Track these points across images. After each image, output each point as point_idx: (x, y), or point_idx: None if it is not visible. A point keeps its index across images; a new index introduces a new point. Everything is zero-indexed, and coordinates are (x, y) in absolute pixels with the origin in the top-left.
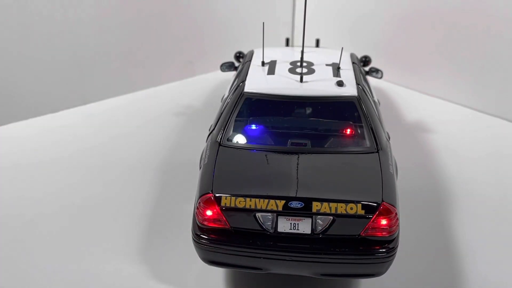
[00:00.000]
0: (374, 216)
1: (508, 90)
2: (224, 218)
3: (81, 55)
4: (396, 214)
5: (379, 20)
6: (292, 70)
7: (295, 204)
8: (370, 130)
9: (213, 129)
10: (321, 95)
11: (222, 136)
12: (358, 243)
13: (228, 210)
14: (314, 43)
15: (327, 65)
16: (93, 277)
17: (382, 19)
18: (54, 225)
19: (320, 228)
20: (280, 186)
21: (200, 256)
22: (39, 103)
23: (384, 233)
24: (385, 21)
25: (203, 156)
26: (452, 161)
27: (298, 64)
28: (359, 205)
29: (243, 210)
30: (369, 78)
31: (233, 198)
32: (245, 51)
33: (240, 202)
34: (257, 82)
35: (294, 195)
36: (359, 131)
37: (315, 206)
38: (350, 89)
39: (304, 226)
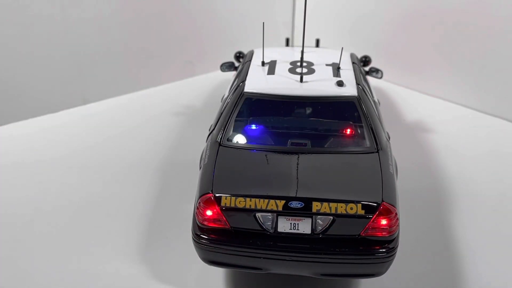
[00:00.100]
0: (374, 216)
1: (508, 90)
2: (224, 218)
3: (81, 55)
4: (396, 214)
5: (379, 20)
6: (292, 70)
7: (295, 204)
8: (370, 130)
9: (213, 129)
10: (321, 95)
11: (222, 136)
12: (358, 243)
13: (228, 210)
14: (314, 43)
15: (327, 65)
16: (93, 277)
17: (382, 19)
18: (54, 225)
19: (320, 228)
20: (280, 186)
21: (200, 256)
22: (39, 103)
23: (384, 233)
24: (385, 21)
25: (203, 156)
26: (452, 161)
27: (298, 64)
28: (359, 205)
29: (243, 210)
30: (369, 78)
31: (233, 198)
32: (245, 51)
33: (240, 202)
34: (257, 82)
35: (294, 195)
36: (359, 131)
37: (315, 206)
38: (350, 89)
39: (304, 226)
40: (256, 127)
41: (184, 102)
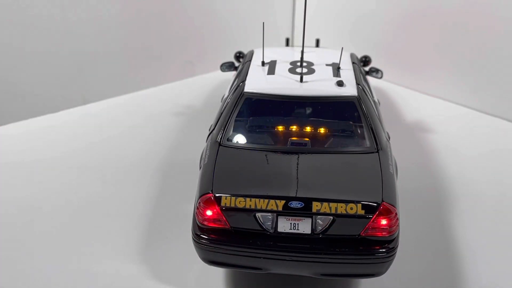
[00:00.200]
0: (374, 216)
1: (507, 90)
2: (224, 218)
3: (81, 55)
4: (396, 214)
5: (379, 20)
6: (292, 70)
7: (295, 204)
8: (370, 130)
9: (213, 129)
10: (321, 95)
11: (222, 136)
12: (358, 243)
13: (228, 210)
14: (314, 43)
15: (327, 65)
16: (93, 277)
17: (382, 19)
18: (54, 224)
19: (320, 228)
20: (280, 186)
21: (200, 256)
22: (39, 103)
23: (384, 233)
24: (385, 21)
25: (203, 156)
26: (452, 161)
27: (298, 64)
28: (359, 205)
29: (243, 210)
30: (369, 78)
31: (233, 198)
32: (245, 51)
33: (240, 202)
34: (257, 82)
35: (294, 195)
36: (359, 131)
37: (315, 206)
38: (350, 89)
39: (304, 226)
40: (256, 127)
41: (184, 102)
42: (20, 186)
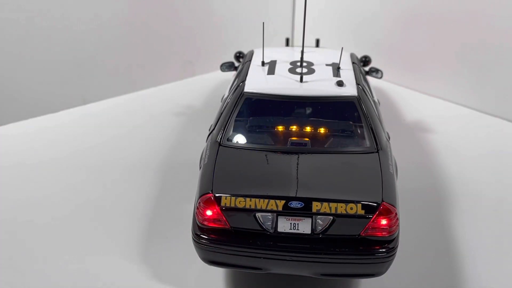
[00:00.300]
0: (374, 216)
1: (507, 90)
2: (224, 218)
3: (80, 55)
4: (396, 214)
5: (379, 20)
6: (292, 70)
7: (295, 204)
8: (370, 130)
9: (213, 129)
10: (321, 95)
11: (222, 136)
12: (358, 243)
13: (228, 210)
14: (314, 43)
15: (327, 65)
16: (93, 277)
17: (382, 19)
18: (54, 225)
19: (320, 228)
20: (280, 186)
21: (200, 256)
22: (38, 103)
23: (384, 233)
24: (385, 21)
25: (203, 156)
26: (452, 161)
27: (298, 64)
28: (359, 205)
29: (243, 210)
30: (369, 78)
31: (233, 198)
32: (245, 51)
33: (240, 202)
34: (257, 82)
35: (294, 195)
36: (359, 131)
37: (315, 206)
38: (350, 89)
39: (304, 226)
40: (256, 127)
41: (184, 102)
42: (20, 186)
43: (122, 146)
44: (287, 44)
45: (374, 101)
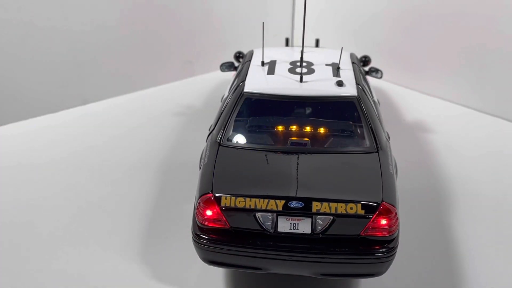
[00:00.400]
0: (374, 216)
1: (507, 89)
2: (224, 218)
3: (80, 55)
4: (396, 214)
5: (378, 20)
6: (292, 70)
7: (295, 204)
8: (370, 130)
9: (213, 129)
10: (321, 95)
11: (222, 136)
12: (358, 243)
13: (228, 210)
14: (313, 43)
15: (326, 65)
16: (93, 277)
17: (381, 19)
18: (54, 225)
19: (320, 228)
20: (280, 186)
21: (200, 256)
22: (38, 103)
23: (384, 233)
24: (384, 21)
25: (203, 156)
26: (452, 161)
27: (298, 64)
28: (359, 205)
29: (243, 210)
30: (368, 78)
31: (233, 198)
32: (245, 51)
33: (240, 202)
34: (257, 82)
35: (294, 195)
36: (359, 131)
37: (315, 206)
38: (350, 89)
39: (304, 226)
40: (256, 127)
41: (184, 102)
42: (19, 186)
43: (122, 146)
44: (287, 44)
45: (374, 101)
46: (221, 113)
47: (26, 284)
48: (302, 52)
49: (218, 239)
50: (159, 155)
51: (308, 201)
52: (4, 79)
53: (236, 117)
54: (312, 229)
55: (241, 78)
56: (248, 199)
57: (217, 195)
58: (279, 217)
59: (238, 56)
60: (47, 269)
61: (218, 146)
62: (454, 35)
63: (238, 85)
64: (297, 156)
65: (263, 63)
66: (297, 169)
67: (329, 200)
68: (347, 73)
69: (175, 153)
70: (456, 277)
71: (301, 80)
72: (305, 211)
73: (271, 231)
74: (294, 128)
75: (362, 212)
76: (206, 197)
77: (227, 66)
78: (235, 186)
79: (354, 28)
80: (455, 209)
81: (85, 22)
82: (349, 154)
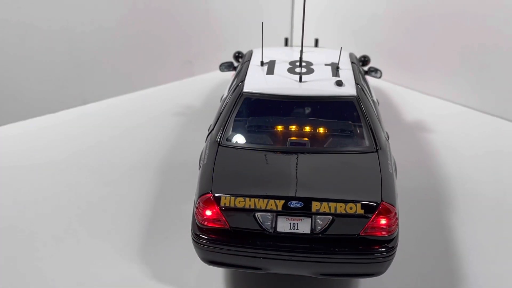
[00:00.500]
0: (374, 215)
1: (506, 89)
2: (223, 218)
3: (79, 55)
4: (395, 213)
5: (378, 20)
6: (291, 70)
7: (294, 204)
8: (369, 130)
9: (212, 129)
10: (320, 95)
11: (221, 136)
12: (358, 242)
13: (227, 210)
14: (313, 43)
15: (326, 64)
16: (93, 277)
17: (381, 19)
18: (53, 225)
19: (319, 227)
20: (279, 186)
21: (199, 256)
22: (38, 103)
23: (383, 232)
24: (384, 21)
25: (203, 156)
26: (451, 160)
27: (297, 64)
28: (359, 205)
29: (243, 210)
30: (368, 77)
31: (233, 198)
32: (244, 51)
33: (240, 202)
34: (256, 82)
35: (293, 195)
36: (358, 131)
37: (315, 205)
38: (349, 89)
39: (303, 226)
40: (255, 127)
41: (184, 102)
42: (18, 187)
43: (121, 146)
44: (286, 44)
45: (373, 100)
46: (221, 113)
47: (25, 284)
48: (301, 52)
49: (217, 239)
50: (159, 155)
51: (307, 201)
52: (4, 79)
53: (235, 117)
54: (311, 229)
55: (241, 78)
56: (247, 199)
57: (216, 195)
58: (278, 217)
59: (238, 56)
60: (46, 269)
61: (218, 146)
62: (453, 35)
63: (237, 85)
64: (296, 156)
65: (262, 63)
66: (296, 169)
67: (328, 200)
68: (347, 73)
69: (175, 153)
70: (456, 277)
71: (300, 80)
72: (305, 211)
73: (270, 231)
74: (293, 128)
75: (361, 212)
76: (205, 197)
77: (227, 66)
78: (235, 186)
79: (353, 28)
80: (454, 209)
81: (84, 23)
82: (349, 154)
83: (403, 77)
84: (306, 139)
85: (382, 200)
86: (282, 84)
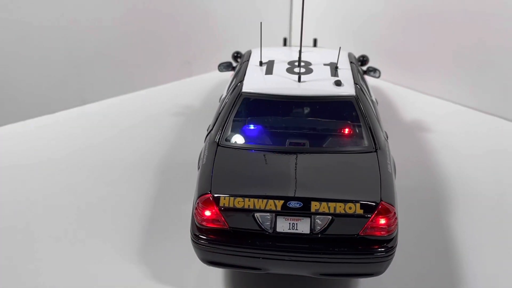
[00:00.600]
0: (373, 215)
1: (506, 89)
2: (222, 219)
3: (78, 55)
4: (394, 213)
5: (376, 19)
6: (290, 70)
7: (293, 204)
8: (368, 130)
9: (211, 129)
10: (319, 95)
11: (220, 136)
12: (357, 242)
13: (226, 210)
14: (311, 43)
15: (325, 64)
16: (92, 278)
17: (379, 18)
18: (53, 226)
19: (319, 227)
20: (278, 186)
21: (199, 257)
22: (37, 104)
23: (382, 232)
24: (382, 20)
25: (202, 156)
26: (451, 160)
27: (296, 63)
28: (358, 205)
29: (242, 210)
30: (366, 77)
31: (232, 198)
32: (243, 51)
33: (239, 202)
34: (255, 82)
35: (292, 195)
36: (357, 131)
37: (314, 206)
38: (348, 89)
39: (303, 226)
40: (254, 127)
41: (182, 102)
42: (18, 187)
43: (120, 146)
44: (285, 44)
45: (372, 100)
46: (220, 113)
47: (24, 284)
48: (300, 52)
49: (217, 239)
50: (158, 155)
51: (307, 201)
52: (2, 80)
53: (234, 117)
54: (311, 229)
55: (239, 78)
56: (247, 199)
57: (215, 195)
58: (278, 217)
59: (236, 56)
60: (46, 269)
61: (217, 146)
62: (452, 34)
63: (236, 85)
64: (295, 156)
65: (261, 63)
66: (295, 169)
67: (328, 200)
68: (345, 73)
69: (174, 153)
70: (455, 276)
71: (299, 80)
72: (304, 211)
73: (270, 231)
74: (292, 128)
75: (361, 211)
76: (204, 198)
77: (225, 66)
78: (234, 186)
79: (352, 28)
80: (454, 208)
81: (83, 23)
82: (348, 153)
83: (402, 76)
84: (305, 139)
85: (381, 200)
86: (281, 84)
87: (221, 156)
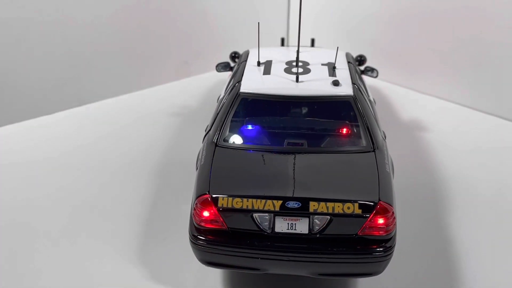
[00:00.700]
0: (371, 215)
1: (503, 88)
2: (221, 219)
3: (76, 56)
4: (393, 213)
5: (374, 19)
6: (287, 70)
7: (292, 204)
8: (366, 129)
9: (209, 129)
10: (317, 95)
11: (218, 136)
12: (356, 242)
13: (225, 210)
14: (309, 43)
15: (322, 64)
16: (91, 278)
17: (377, 18)
18: (51, 226)
19: (317, 228)
20: (277, 186)
21: (197, 257)
22: (35, 104)
23: (381, 232)
24: (380, 20)
25: (200, 156)
26: (449, 159)
27: (294, 64)
28: (356, 205)
29: (240, 210)
30: (364, 77)
31: (230, 198)
32: (241, 51)
33: (237, 203)
34: (253, 82)
35: (291, 195)
36: (355, 131)
37: (312, 206)
38: (346, 89)
39: (301, 226)
40: (252, 127)
41: (180, 102)
42: (16, 188)
43: (118, 146)
44: (283, 44)
45: (370, 100)
46: (218, 114)
47: (24, 283)
48: (298, 52)
49: (215, 240)
50: (156, 156)
51: (305, 201)
52: (0, 80)
53: (232, 117)
54: (309, 229)
55: (237, 78)
56: (245, 199)
57: (214, 196)
58: (276, 217)
59: (234, 56)
60: (45, 269)
61: (215, 146)
62: (449, 34)
63: (234, 86)
64: (293, 156)
65: (259, 63)
66: (294, 169)
67: (326, 200)
68: (343, 73)
69: (172, 154)
70: (453, 276)
71: (297, 80)
72: (302, 211)
73: (268, 231)
74: (290, 128)
75: (359, 211)
76: (203, 198)
77: (223, 67)
78: (232, 186)
79: (349, 28)
80: (452, 208)
81: (81, 23)
82: (346, 153)
83: (399, 76)
84: (303, 139)
85: (379, 200)
86: (279, 84)
87: (219, 156)
